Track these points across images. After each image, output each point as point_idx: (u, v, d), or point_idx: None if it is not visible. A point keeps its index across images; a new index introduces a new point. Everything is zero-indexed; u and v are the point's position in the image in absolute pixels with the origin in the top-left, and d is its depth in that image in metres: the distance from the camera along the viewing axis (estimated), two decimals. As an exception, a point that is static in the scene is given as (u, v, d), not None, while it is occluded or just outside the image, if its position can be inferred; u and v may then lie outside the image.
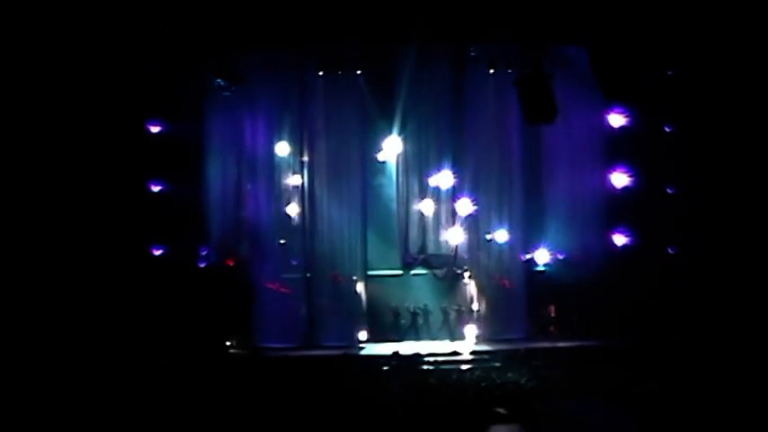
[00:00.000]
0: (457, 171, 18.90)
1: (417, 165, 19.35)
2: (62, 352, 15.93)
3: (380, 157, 19.20)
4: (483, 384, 15.51)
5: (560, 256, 18.85)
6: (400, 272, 19.34)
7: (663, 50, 17.22)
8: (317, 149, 19.01)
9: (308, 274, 18.96)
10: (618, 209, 18.34)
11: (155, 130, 18.22)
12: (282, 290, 18.71)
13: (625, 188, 18.17)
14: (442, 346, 18.01)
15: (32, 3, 15.90)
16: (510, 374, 15.80)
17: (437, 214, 19.32)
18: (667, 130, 18.21)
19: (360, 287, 18.93)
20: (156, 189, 18.31)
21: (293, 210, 18.99)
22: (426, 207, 19.26)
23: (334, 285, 18.83)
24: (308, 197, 19.05)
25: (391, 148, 19.12)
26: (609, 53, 16.94)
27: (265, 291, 18.65)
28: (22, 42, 16.10)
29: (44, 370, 15.18)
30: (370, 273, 19.15)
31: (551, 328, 18.75)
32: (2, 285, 16.24)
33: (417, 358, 17.09)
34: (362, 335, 18.70)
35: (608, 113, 18.19)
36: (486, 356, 17.37)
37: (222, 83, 18.24)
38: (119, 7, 16.38)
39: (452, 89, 18.91)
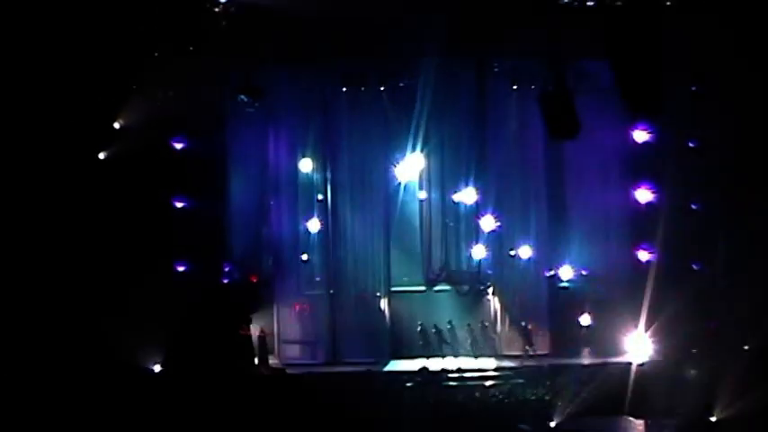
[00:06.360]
0: (480, 187, 18.84)
1: (440, 180, 19.27)
2: (86, 366, 15.99)
3: (399, 176, 18.96)
4: (507, 400, 15.48)
5: (584, 272, 18.75)
6: (423, 288, 19.25)
7: (687, 66, 17.12)
8: (340, 165, 19.05)
9: (332, 291, 18.95)
10: (642, 225, 18.23)
11: (178, 146, 18.28)
12: (303, 308, 18.72)
13: (649, 204, 18.06)
14: (466, 363, 17.93)
15: (61, 20, 16.01)
16: (534, 391, 15.75)
17: (460, 230, 19.23)
18: (691, 145, 18.10)
19: (383, 303, 18.91)
20: (179, 205, 18.32)
21: (316, 226, 18.98)
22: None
23: (357, 301, 18.83)
24: (331, 213, 19.06)
25: (413, 166, 18.96)
26: (633, 68, 16.83)
27: (288, 307, 18.67)
28: (51, 60, 16.23)
29: (65, 384, 15.29)
30: (394, 289, 19.12)
31: (577, 344, 18.63)
32: (23, 300, 16.33)
33: (441, 374, 17.06)
34: (386, 351, 18.63)
35: (632, 129, 18.09)
36: (510, 373, 17.29)
37: (245, 99, 18.30)
38: (147, 25, 16.48)
39: (475, 105, 18.87)
